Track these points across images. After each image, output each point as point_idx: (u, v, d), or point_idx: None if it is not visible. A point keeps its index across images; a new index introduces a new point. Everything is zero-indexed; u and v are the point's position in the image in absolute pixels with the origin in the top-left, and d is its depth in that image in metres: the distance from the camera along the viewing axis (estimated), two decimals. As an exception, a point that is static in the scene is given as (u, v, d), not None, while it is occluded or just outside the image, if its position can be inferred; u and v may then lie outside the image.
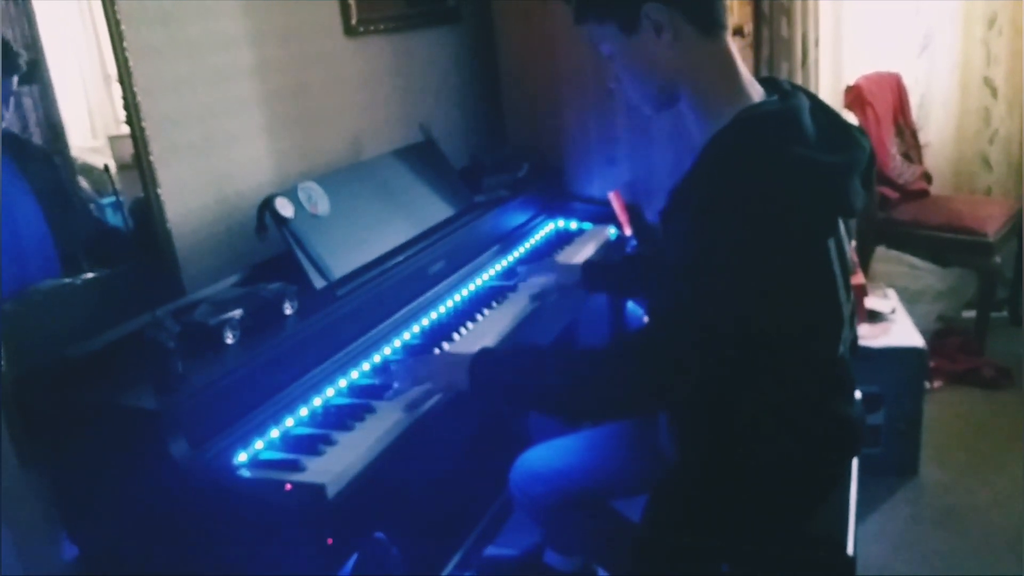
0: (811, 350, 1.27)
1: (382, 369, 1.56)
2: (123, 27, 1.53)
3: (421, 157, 2.12)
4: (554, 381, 1.29)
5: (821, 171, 1.16)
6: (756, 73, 3.36)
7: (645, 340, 1.22)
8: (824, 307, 1.26)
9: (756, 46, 3.34)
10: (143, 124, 1.59)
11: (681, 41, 1.23)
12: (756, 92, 1.26)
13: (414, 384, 1.45)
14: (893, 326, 2.57)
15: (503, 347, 1.43)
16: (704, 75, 1.25)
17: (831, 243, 1.24)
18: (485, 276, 2.00)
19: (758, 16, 3.32)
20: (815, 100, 1.27)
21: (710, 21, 1.24)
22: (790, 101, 1.22)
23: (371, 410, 1.44)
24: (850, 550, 1.36)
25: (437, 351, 1.64)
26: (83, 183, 1.58)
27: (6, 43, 1.40)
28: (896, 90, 3.44)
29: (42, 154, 1.49)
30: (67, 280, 1.49)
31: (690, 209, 1.17)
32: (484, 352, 1.39)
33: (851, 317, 1.32)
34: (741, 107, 1.21)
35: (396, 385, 1.47)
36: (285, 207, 1.63)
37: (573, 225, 2.46)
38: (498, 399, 1.44)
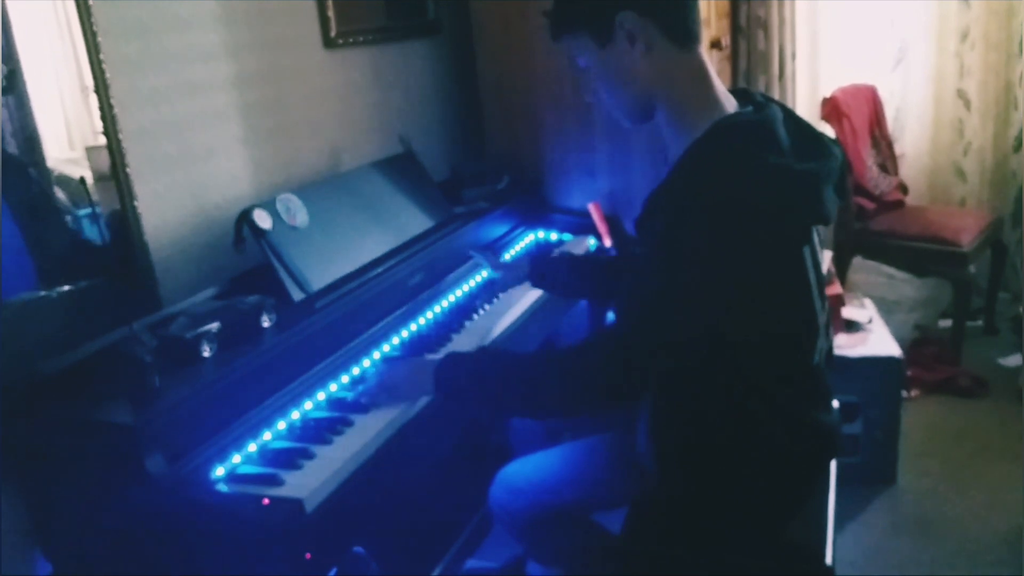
0: (786, 359, 1.27)
1: (360, 381, 1.55)
2: (100, 38, 1.53)
3: (401, 169, 2.12)
4: (517, 381, 1.32)
5: (796, 179, 1.17)
6: (733, 86, 3.41)
7: (611, 339, 1.24)
8: (799, 316, 1.26)
9: (734, 59, 3.38)
10: (120, 136, 1.58)
11: (654, 52, 1.24)
12: (730, 104, 1.27)
13: (382, 391, 1.47)
14: (870, 336, 2.59)
15: (469, 352, 1.47)
16: (678, 87, 1.26)
17: (806, 251, 1.25)
18: (465, 287, 2.00)
19: (735, 29, 3.35)
20: (787, 111, 1.28)
21: (683, 33, 1.25)
22: (764, 111, 1.24)
23: (350, 423, 1.43)
24: (828, 559, 1.37)
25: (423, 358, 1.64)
26: (59, 194, 1.57)
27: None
28: (872, 102, 3.48)
29: (18, 165, 1.48)
30: (42, 293, 1.48)
31: (665, 216, 1.17)
32: (449, 356, 1.42)
33: (826, 326, 1.33)
34: (716, 118, 1.22)
35: (365, 398, 1.49)
36: (263, 219, 1.63)
37: (553, 236, 2.47)
38: (465, 403, 1.45)
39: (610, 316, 2.45)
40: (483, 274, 2.06)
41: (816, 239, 1.31)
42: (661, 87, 1.26)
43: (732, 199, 1.13)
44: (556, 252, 2.11)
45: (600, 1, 1.25)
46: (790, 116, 1.28)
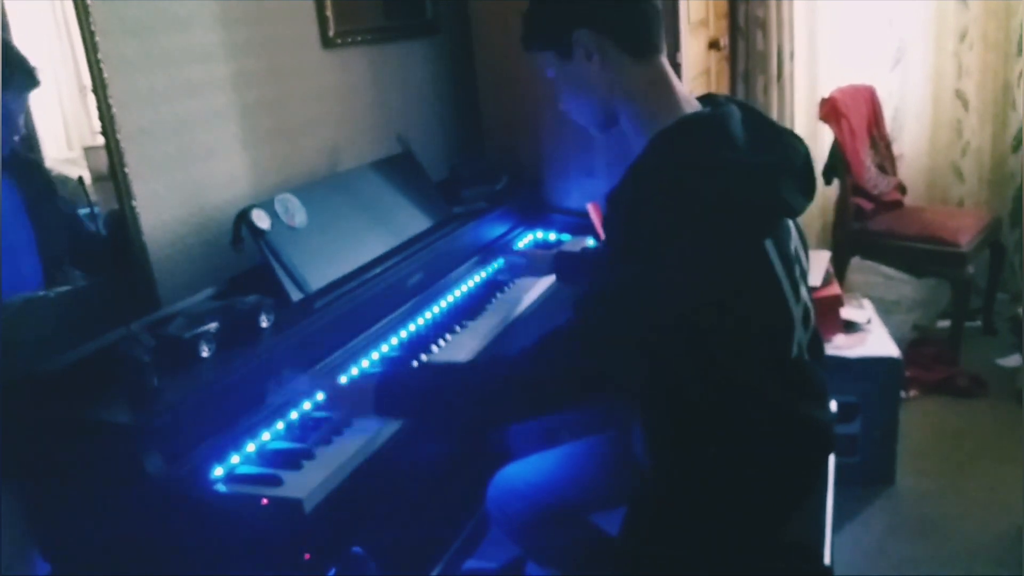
0: (760, 352, 1.27)
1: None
2: (98, 38, 1.52)
3: (399, 169, 2.12)
4: (466, 391, 1.32)
5: (747, 171, 1.19)
6: (732, 86, 3.42)
7: (566, 335, 1.25)
8: (767, 308, 1.27)
9: (732, 59, 3.39)
10: (118, 136, 1.57)
11: (612, 65, 1.30)
12: (692, 108, 1.31)
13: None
14: (869, 336, 2.60)
15: (404, 370, 1.52)
16: (638, 96, 1.31)
17: (769, 243, 1.25)
18: (464, 288, 2.00)
19: (734, 29, 3.36)
20: (749, 110, 1.32)
21: (640, 45, 1.30)
22: (719, 110, 1.27)
23: (350, 423, 1.43)
24: (827, 559, 1.37)
25: (344, 379, 1.53)
26: (58, 195, 1.56)
27: (22, 57, 1.41)
28: (870, 102, 3.48)
29: (32, 165, 1.48)
30: (41, 293, 1.48)
31: (620, 212, 1.21)
32: (386, 379, 1.41)
33: (803, 319, 1.32)
34: (675, 120, 1.26)
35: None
36: (262, 219, 1.63)
37: (552, 236, 2.46)
38: (411, 422, 1.45)
39: None
40: (481, 275, 2.07)
41: (792, 232, 1.31)
42: (621, 97, 1.32)
43: (682, 192, 1.16)
44: (581, 248, 2.21)
45: (557, 21, 1.33)
46: (751, 114, 1.31)
